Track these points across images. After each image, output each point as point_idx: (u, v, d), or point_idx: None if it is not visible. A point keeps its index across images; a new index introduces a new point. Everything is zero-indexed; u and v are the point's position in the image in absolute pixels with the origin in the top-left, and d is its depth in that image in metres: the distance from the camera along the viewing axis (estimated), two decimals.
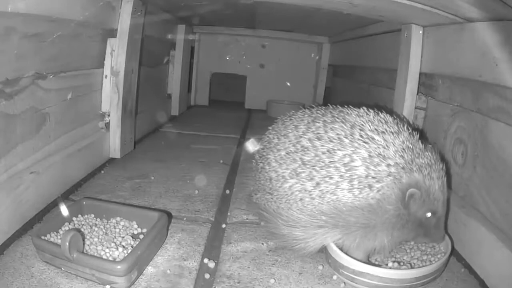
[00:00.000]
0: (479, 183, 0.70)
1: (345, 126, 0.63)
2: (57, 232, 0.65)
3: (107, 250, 0.61)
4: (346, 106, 0.70)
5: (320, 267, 0.66)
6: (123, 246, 0.63)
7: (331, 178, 0.60)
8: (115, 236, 0.67)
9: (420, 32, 0.94)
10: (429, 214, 0.61)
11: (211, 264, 0.65)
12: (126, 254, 0.58)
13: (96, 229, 0.68)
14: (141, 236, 0.67)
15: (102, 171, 1.02)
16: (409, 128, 0.66)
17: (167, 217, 0.69)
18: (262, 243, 0.73)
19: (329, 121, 0.65)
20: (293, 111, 0.75)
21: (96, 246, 0.63)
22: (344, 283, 0.62)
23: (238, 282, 0.61)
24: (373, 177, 0.59)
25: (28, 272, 0.58)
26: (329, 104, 0.73)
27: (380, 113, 0.67)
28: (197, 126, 1.66)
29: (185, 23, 1.76)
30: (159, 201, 0.87)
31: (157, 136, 1.47)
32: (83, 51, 0.91)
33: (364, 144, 0.60)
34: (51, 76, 0.76)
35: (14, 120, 0.65)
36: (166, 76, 1.73)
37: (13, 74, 0.64)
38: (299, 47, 2.20)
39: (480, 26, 0.71)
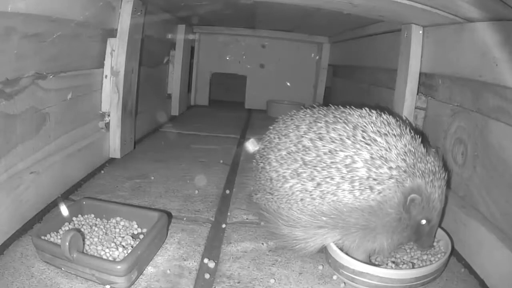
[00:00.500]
0: (479, 183, 0.70)
1: (347, 127, 0.63)
2: (57, 232, 0.65)
3: (107, 250, 0.61)
4: (347, 107, 0.69)
5: (320, 267, 0.66)
6: (123, 246, 0.63)
7: (332, 178, 0.60)
8: (115, 236, 0.67)
9: (420, 32, 0.94)
10: (424, 222, 0.61)
11: (211, 264, 0.65)
12: (126, 254, 0.58)
13: (96, 229, 0.68)
14: (141, 236, 0.67)
15: (102, 171, 1.02)
16: (412, 131, 0.66)
17: (167, 217, 0.69)
18: (262, 243, 0.73)
19: (331, 121, 0.65)
20: (294, 111, 0.75)
21: (96, 246, 0.63)
22: (344, 283, 0.62)
23: (238, 282, 0.61)
24: (374, 179, 0.59)
25: (28, 272, 0.58)
26: (330, 105, 0.73)
27: (382, 114, 0.66)
28: (197, 126, 1.66)
29: (185, 23, 1.76)
30: (159, 201, 0.87)
31: (157, 136, 1.47)
32: (83, 51, 0.91)
33: (366, 145, 0.60)
34: (51, 76, 0.76)
35: (14, 120, 0.65)
36: (166, 76, 1.73)
37: (13, 74, 0.64)
38: (299, 47, 2.20)
39: (480, 26, 0.71)
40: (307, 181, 0.62)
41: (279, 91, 2.24)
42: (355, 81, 1.60)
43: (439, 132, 0.86)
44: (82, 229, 0.67)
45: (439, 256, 0.67)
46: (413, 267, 0.65)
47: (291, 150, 0.65)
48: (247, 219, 0.83)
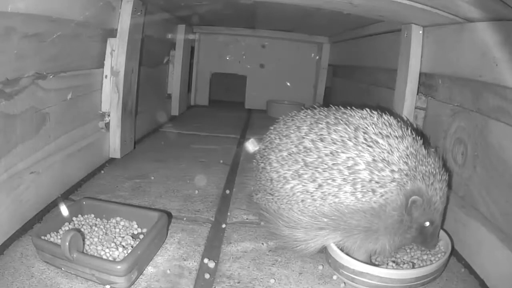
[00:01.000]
0: (479, 183, 0.70)
1: (348, 129, 0.63)
2: (57, 232, 0.65)
3: (107, 250, 0.61)
4: (348, 107, 0.69)
5: (320, 267, 0.66)
6: (123, 246, 0.63)
7: (333, 180, 0.60)
8: (115, 236, 0.67)
9: (420, 32, 0.94)
10: (427, 224, 0.62)
11: (211, 264, 0.65)
12: (126, 254, 0.58)
13: (96, 229, 0.68)
14: (141, 236, 0.67)
15: (102, 171, 1.02)
16: (413, 132, 0.66)
17: (167, 217, 0.69)
18: (262, 243, 0.73)
19: (332, 122, 0.65)
20: (295, 112, 0.75)
21: (96, 246, 0.63)
22: (344, 283, 0.62)
23: (238, 282, 0.61)
24: (377, 182, 0.59)
25: (28, 272, 0.58)
26: (331, 105, 0.72)
27: (383, 115, 0.66)
28: (197, 126, 1.66)
29: (185, 23, 1.76)
30: (159, 201, 0.87)
31: (157, 136, 1.47)
32: (83, 51, 0.91)
33: (368, 148, 0.60)
34: (51, 76, 0.76)
35: (14, 120, 0.65)
36: (166, 76, 1.73)
37: (13, 74, 0.64)
38: (299, 47, 2.20)
39: (480, 26, 0.71)
40: (308, 182, 0.62)
41: (279, 91, 2.24)
42: (355, 81, 1.60)
43: (439, 132, 0.86)
44: (82, 229, 0.67)
45: (439, 256, 0.67)
46: (413, 267, 0.65)
47: (292, 151, 0.65)
48: (247, 219, 0.83)
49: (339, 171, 0.60)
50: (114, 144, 1.09)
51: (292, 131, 0.68)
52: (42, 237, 0.61)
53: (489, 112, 0.68)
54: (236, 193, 0.96)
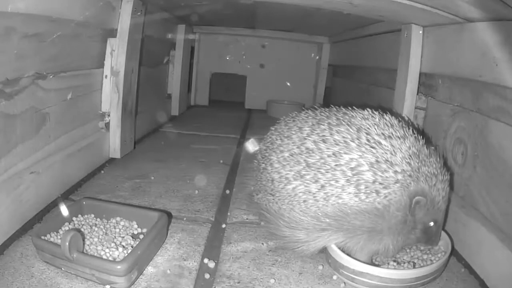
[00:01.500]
0: (479, 183, 0.70)
1: (351, 130, 0.63)
2: (57, 232, 0.65)
3: (107, 250, 0.61)
4: (349, 108, 0.69)
5: (320, 267, 0.66)
6: (123, 246, 0.63)
7: (337, 181, 0.60)
8: (115, 236, 0.67)
9: (420, 32, 0.94)
10: (431, 224, 0.62)
11: (211, 264, 0.65)
12: (126, 254, 0.58)
13: (96, 229, 0.68)
14: (141, 236, 0.67)
15: (102, 171, 1.02)
16: (414, 131, 0.66)
17: (167, 217, 0.69)
18: (262, 243, 0.73)
19: (334, 123, 0.65)
20: (295, 112, 0.75)
21: (96, 246, 0.63)
22: (344, 283, 0.62)
23: (238, 282, 0.61)
24: (380, 183, 0.59)
25: (28, 272, 0.58)
26: (331, 106, 0.72)
27: (384, 115, 0.66)
28: (197, 126, 1.66)
29: (185, 23, 1.76)
30: (159, 201, 0.87)
31: (157, 136, 1.47)
32: (83, 51, 0.91)
33: (371, 149, 0.60)
34: (51, 76, 0.76)
35: (14, 120, 0.65)
36: (166, 76, 1.73)
37: (13, 74, 0.64)
38: (299, 47, 2.20)
39: (480, 26, 0.71)
40: (310, 183, 0.62)
41: (279, 91, 2.24)
42: (355, 81, 1.60)
43: (439, 132, 0.86)
44: (82, 229, 0.67)
45: (439, 255, 0.67)
46: (414, 267, 0.65)
47: (294, 152, 0.65)
48: (247, 219, 0.83)
49: (342, 172, 0.60)
50: (114, 144, 1.09)
51: (293, 132, 0.68)
52: (42, 237, 0.61)
53: (489, 112, 0.68)
54: (236, 193, 0.96)
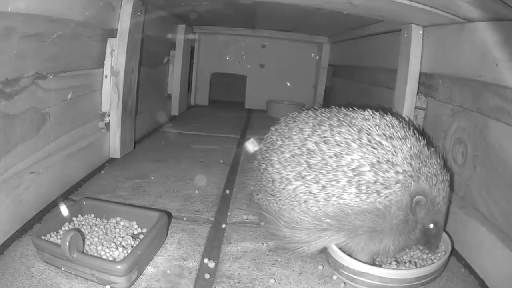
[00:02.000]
0: (479, 183, 0.70)
1: (352, 130, 0.63)
2: (57, 232, 0.65)
3: (107, 250, 0.61)
4: (350, 108, 0.69)
5: (320, 267, 0.66)
6: (123, 246, 0.63)
7: (338, 182, 0.60)
8: (115, 236, 0.67)
9: (420, 32, 0.94)
10: (431, 226, 0.62)
11: (211, 264, 0.65)
12: (126, 254, 0.58)
13: (96, 229, 0.68)
14: (141, 236, 0.67)
15: (102, 171, 1.02)
16: (415, 132, 0.66)
17: (167, 217, 0.69)
18: (262, 243, 0.73)
19: (335, 124, 0.65)
20: (296, 113, 0.75)
21: (96, 246, 0.63)
22: (344, 283, 0.62)
23: (238, 282, 0.61)
24: (382, 183, 0.59)
25: (28, 272, 0.58)
26: (332, 106, 0.72)
27: (385, 116, 0.67)
28: (197, 126, 1.66)
29: (185, 23, 1.76)
30: (159, 201, 0.87)
31: (157, 136, 1.47)
32: (83, 51, 0.91)
33: (373, 149, 0.60)
34: (51, 76, 0.76)
35: (14, 120, 0.65)
36: (166, 76, 1.73)
37: (13, 74, 0.64)
38: (299, 47, 2.20)
39: (480, 26, 0.71)
40: (311, 183, 0.62)
41: (279, 91, 2.24)
42: (355, 81, 1.60)
43: (439, 132, 0.86)
44: (82, 229, 0.67)
45: (439, 255, 0.67)
46: (415, 267, 0.65)
47: (295, 153, 0.65)
48: (247, 219, 0.83)
49: (343, 172, 0.60)
50: (114, 144, 1.09)
51: (294, 133, 0.68)
52: (42, 237, 0.61)
53: (489, 112, 0.68)
54: (236, 193, 0.96)
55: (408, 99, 0.97)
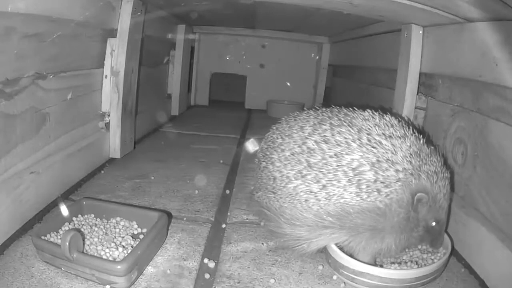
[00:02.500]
0: (479, 183, 0.70)
1: (352, 130, 0.63)
2: (57, 232, 0.65)
3: (107, 250, 0.61)
4: (350, 108, 0.70)
5: (320, 267, 0.66)
6: (123, 246, 0.63)
7: (338, 181, 0.60)
8: (115, 236, 0.67)
9: (420, 32, 0.94)
10: (434, 223, 0.62)
11: (211, 264, 0.65)
12: (126, 254, 0.58)
13: (96, 229, 0.68)
14: (141, 236, 0.67)
15: (102, 171, 1.02)
16: (415, 131, 0.66)
17: (167, 217, 0.69)
18: (262, 243, 0.73)
19: (335, 124, 0.65)
20: (296, 112, 0.75)
21: (96, 246, 0.63)
22: (344, 283, 0.62)
23: (238, 282, 0.61)
24: (382, 182, 0.59)
25: (28, 272, 0.58)
26: (332, 106, 0.73)
27: (385, 116, 0.67)
28: (197, 126, 1.66)
29: (185, 23, 1.76)
30: (159, 201, 0.87)
31: (157, 136, 1.47)
32: (83, 51, 0.91)
33: (372, 149, 0.60)
34: (51, 76, 0.76)
35: (14, 120, 0.65)
36: (166, 76, 1.73)
37: (13, 74, 0.64)
38: (299, 47, 2.20)
39: (480, 26, 0.71)
40: (312, 183, 0.62)
41: (279, 91, 2.24)
42: (355, 81, 1.60)
43: (439, 132, 0.86)
44: (82, 229, 0.67)
45: (439, 255, 0.67)
46: (418, 267, 0.65)
47: (295, 151, 0.65)
48: (247, 219, 0.83)
49: (344, 172, 0.60)
50: (114, 144, 1.09)
51: (295, 131, 0.68)
52: (42, 237, 0.61)
53: (489, 112, 0.68)
54: (236, 193, 0.96)
55: (408, 99, 0.97)
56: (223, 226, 0.79)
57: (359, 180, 0.59)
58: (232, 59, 2.26)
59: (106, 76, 1.03)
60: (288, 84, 2.24)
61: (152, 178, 1.01)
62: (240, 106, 2.29)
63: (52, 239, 0.63)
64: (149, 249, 0.62)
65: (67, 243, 0.54)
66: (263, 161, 0.71)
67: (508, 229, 0.62)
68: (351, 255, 0.62)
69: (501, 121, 0.64)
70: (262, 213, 0.72)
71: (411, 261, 0.67)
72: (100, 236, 0.66)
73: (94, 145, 1.00)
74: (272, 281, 0.61)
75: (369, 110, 0.68)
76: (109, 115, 1.05)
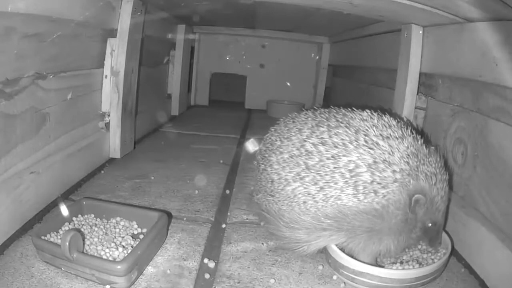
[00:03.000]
0: (479, 183, 0.70)
1: (349, 131, 0.63)
2: (57, 232, 0.65)
3: (107, 250, 0.61)
4: (349, 109, 0.69)
5: (320, 267, 0.66)
6: (123, 246, 0.63)
7: (335, 183, 0.60)
8: (115, 236, 0.67)
9: (420, 32, 0.94)
10: (430, 224, 0.62)
11: (211, 264, 0.65)
12: (126, 254, 0.58)
13: (96, 229, 0.68)
14: (141, 236, 0.67)
15: (102, 171, 1.02)
16: (413, 131, 0.66)
17: (167, 217, 0.69)
18: (262, 243, 0.73)
19: (333, 125, 0.65)
20: (295, 113, 0.75)
21: (96, 246, 0.63)
22: (344, 283, 0.62)
23: (238, 282, 0.61)
24: (379, 183, 0.59)
25: (28, 272, 0.58)
26: (331, 106, 0.72)
27: (383, 116, 0.67)
28: (197, 126, 1.66)
29: (185, 23, 1.76)
30: (159, 201, 0.87)
31: (157, 136, 1.47)
32: (83, 51, 0.91)
33: (369, 150, 0.60)
34: (51, 76, 0.76)
35: (14, 120, 0.65)
36: (166, 76, 1.73)
37: (13, 74, 0.64)
38: (299, 47, 2.20)
39: (480, 26, 0.71)
40: (310, 185, 0.62)
41: (279, 91, 2.24)
42: (355, 81, 1.60)
43: (439, 132, 0.86)
44: (82, 229, 0.67)
45: (439, 255, 0.67)
46: (419, 266, 0.65)
47: (294, 153, 0.65)
48: (247, 219, 0.83)
49: (341, 174, 0.60)
50: (114, 144, 1.09)
51: (293, 133, 0.68)
52: (42, 237, 0.61)
53: (489, 112, 0.68)
54: (236, 193, 0.96)
55: (408, 99, 0.97)
56: (223, 226, 0.79)
57: (356, 181, 0.59)
58: (232, 59, 2.26)
59: (106, 76, 1.03)
60: (288, 84, 2.24)
61: (152, 178, 1.01)
62: (240, 106, 2.29)
63: (52, 239, 0.63)
64: (149, 249, 0.62)
65: (67, 243, 0.54)
66: (262, 164, 0.71)
67: (508, 229, 0.62)
68: (351, 255, 0.62)
69: (501, 121, 0.64)
70: (261, 216, 0.72)
71: (413, 260, 0.67)
72: (100, 236, 0.66)
73: (94, 145, 1.00)
74: (272, 281, 0.61)
75: (367, 111, 0.68)
76: (109, 115, 1.05)
